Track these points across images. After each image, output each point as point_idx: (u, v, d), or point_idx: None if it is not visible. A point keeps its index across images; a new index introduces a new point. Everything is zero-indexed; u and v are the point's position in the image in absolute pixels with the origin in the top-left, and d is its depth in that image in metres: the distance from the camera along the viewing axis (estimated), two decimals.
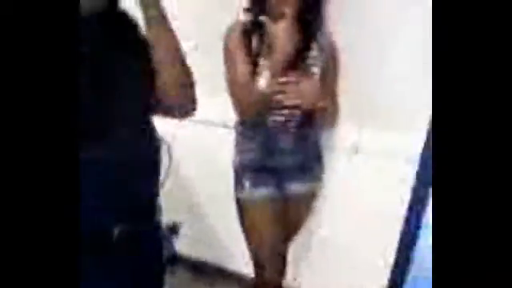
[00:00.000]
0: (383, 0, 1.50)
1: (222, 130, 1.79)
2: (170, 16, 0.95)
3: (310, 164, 1.56)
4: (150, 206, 1.10)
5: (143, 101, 0.99)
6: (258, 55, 1.38)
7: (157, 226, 1.13)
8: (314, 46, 1.43)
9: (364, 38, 1.55)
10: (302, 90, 1.34)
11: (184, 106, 1.10)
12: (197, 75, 1.72)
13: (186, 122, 1.91)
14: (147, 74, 0.96)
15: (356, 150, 1.65)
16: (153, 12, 0.91)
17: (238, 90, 1.40)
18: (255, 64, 1.37)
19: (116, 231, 0.96)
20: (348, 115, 1.61)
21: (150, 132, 1.05)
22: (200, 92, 1.75)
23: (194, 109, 1.11)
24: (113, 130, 0.92)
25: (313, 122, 1.47)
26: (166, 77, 0.97)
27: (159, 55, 0.95)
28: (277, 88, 1.33)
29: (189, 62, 1.05)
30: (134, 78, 0.95)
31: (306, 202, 1.62)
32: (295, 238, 1.70)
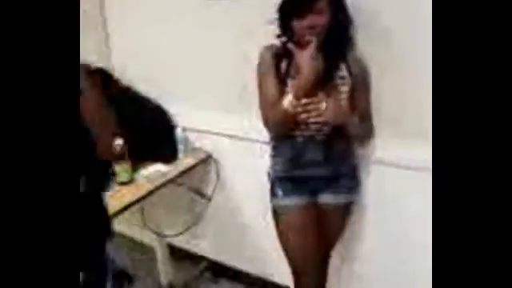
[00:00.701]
0: (405, 21, 1.55)
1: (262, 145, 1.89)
2: None
3: (343, 175, 1.62)
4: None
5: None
6: (287, 77, 1.51)
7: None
8: (343, 66, 1.52)
9: (394, 54, 1.59)
10: (325, 109, 1.43)
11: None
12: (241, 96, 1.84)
13: (230, 139, 2.06)
14: None
15: (393, 163, 1.69)
16: None
17: (266, 109, 1.54)
18: (284, 85, 1.50)
19: None
20: (382, 128, 1.66)
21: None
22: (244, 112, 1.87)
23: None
24: None
25: (343, 135, 1.54)
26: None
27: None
28: (300, 109, 1.43)
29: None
30: None
31: (341, 213, 1.67)
32: (333, 248, 1.74)
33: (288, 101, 1.44)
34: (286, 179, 1.61)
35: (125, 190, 1.82)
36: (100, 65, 2.11)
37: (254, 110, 1.62)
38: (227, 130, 2.07)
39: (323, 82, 1.47)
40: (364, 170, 1.73)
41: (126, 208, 1.73)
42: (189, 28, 2.04)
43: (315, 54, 1.41)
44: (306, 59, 1.42)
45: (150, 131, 2.02)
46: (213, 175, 2.21)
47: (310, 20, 1.40)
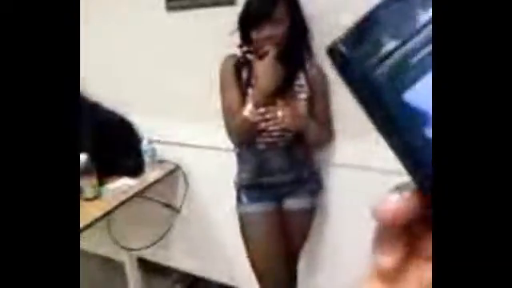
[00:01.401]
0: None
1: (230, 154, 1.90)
2: None
3: (306, 180, 1.65)
4: None
5: None
6: (247, 86, 1.54)
7: None
8: (301, 74, 1.56)
9: None
10: (282, 117, 1.47)
11: None
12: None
13: (197, 148, 2.05)
14: None
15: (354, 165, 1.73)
16: None
17: (228, 117, 1.57)
18: (245, 94, 1.53)
19: None
20: (343, 132, 1.70)
21: None
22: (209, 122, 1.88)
23: None
24: None
25: (303, 141, 1.58)
26: None
27: None
28: (258, 117, 1.48)
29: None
30: None
31: (306, 217, 1.70)
32: (299, 253, 1.76)
33: (247, 109, 1.47)
34: (251, 186, 1.64)
35: (91, 205, 1.78)
36: None
37: (220, 119, 1.63)
38: (194, 140, 2.07)
39: (282, 91, 1.50)
40: (327, 173, 1.77)
41: (92, 224, 1.69)
42: (153, 39, 2.04)
43: (273, 64, 1.44)
44: (264, 69, 1.44)
45: (116, 145, 2.00)
46: (181, 186, 2.20)
47: (268, 30, 1.43)
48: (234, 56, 1.58)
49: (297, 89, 1.55)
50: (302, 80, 1.55)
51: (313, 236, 1.83)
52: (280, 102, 1.49)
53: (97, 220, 1.72)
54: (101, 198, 1.83)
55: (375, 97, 0.23)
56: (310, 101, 1.56)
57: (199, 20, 1.88)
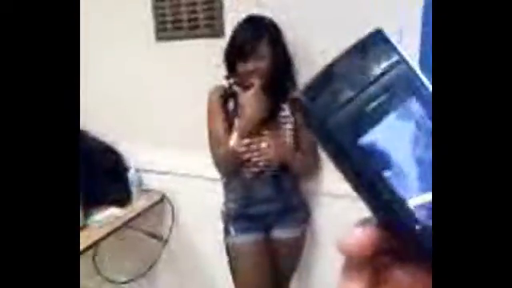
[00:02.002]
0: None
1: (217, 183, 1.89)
2: None
3: (293, 209, 1.65)
4: None
5: None
6: (233, 116, 1.57)
7: None
8: (286, 105, 1.59)
9: None
10: (266, 149, 1.51)
11: None
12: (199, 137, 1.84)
13: (185, 177, 2.03)
14: None
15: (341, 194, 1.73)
16: None
17: (214, 148, 1.59)
18: (231, 124, 1.56)
19: None
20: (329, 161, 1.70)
21: None
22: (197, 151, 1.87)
23: None
24: None
25: (289, 171, 1.59)
26: None
27: None
28: (243, 148, 1.50)
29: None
30: None
31: (294, 247, 1.69)
32: (289, 284, 1.75)
33: (233, 140, 1.50)
34: (238, 217, 1.63)
35: None
36: None
37: (207, 148, 1.64)
38: (181, 169, 2.07)
39: (267, 121, 1.53)
40: (315, 202, 1.77)
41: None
42: (141, 67, 2.06)
43: (258, 95, 1.47)
44: (250, 100, 1.48)
45: (103, 174, 1.98)
46: (168, 217, 2.17)
47: (253, 64, 1.48)
48: (220, 87, 1.61)
49: (282, 119, 1.58)
50: (286, 111, 1.59)
51: (302, 267, 1.82)
52: (265, 132, 1.52)
53: (83, 251, 1.68)
54: (87, 229, 1.80)
55: (333, 142, 0.26)
56: (296, 131, 1.59)
57: (188, 51, 1.91)
